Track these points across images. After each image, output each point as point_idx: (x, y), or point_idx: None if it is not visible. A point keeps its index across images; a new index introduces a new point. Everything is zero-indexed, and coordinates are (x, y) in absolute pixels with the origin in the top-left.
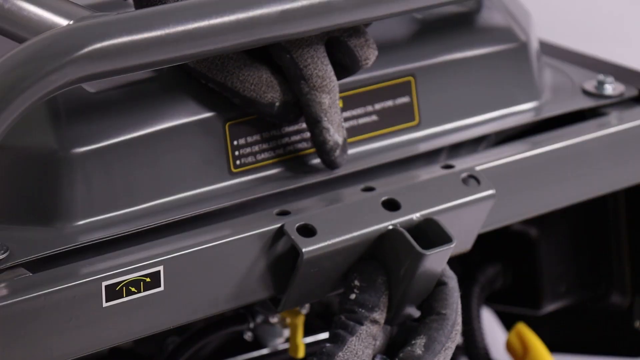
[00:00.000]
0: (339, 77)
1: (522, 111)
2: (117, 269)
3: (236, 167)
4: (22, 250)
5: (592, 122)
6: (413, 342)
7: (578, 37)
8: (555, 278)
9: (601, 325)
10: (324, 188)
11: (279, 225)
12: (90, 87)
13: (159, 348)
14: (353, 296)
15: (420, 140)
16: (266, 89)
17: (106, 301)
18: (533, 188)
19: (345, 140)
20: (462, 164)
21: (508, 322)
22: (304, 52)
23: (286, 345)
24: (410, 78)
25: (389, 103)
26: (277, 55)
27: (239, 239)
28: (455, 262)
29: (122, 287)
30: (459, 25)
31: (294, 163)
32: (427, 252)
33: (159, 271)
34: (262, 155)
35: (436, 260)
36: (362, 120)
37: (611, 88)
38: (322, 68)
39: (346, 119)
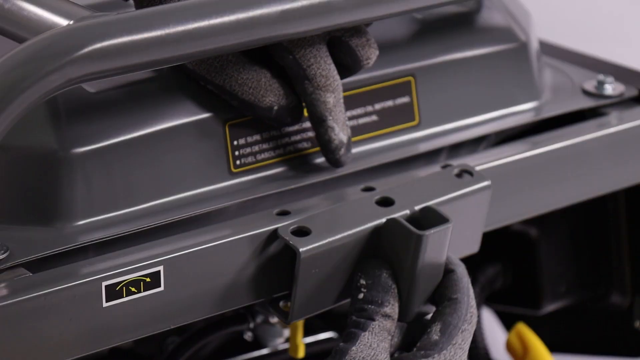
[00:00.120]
0: (340, 77)
1: (522, 111)
2: (117, 269)
3: (236, 167)
4: (22, 250)
5: (592, 122)
6: (429, 330)
7: (578, 37)
8: (555, 278)
9: (601, 325)
10: (324, 188)
11: (278, 225)
12: (90, 87)
13: (159, 348)
14: (361, 296)
15: (420, 140)
16: (265, 92)
17: (106, 301)
18: (533, 188)
19: (349, 138)
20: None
21: (508, 322)
22: (307, 52)
23: (286, 345)
24: (410, 78)
25: (389, 103)
26: (280, 56)
27: (239, 239)
28: None
29: (122, 287)
30: (459, 25)
31: (294, 163)
32: (426, 233)
33: (159, 271)
34: (262, 155)
35: (436, 243)
36: (362, 120)
37: (611, 88)
38: (325, 67)
39: None
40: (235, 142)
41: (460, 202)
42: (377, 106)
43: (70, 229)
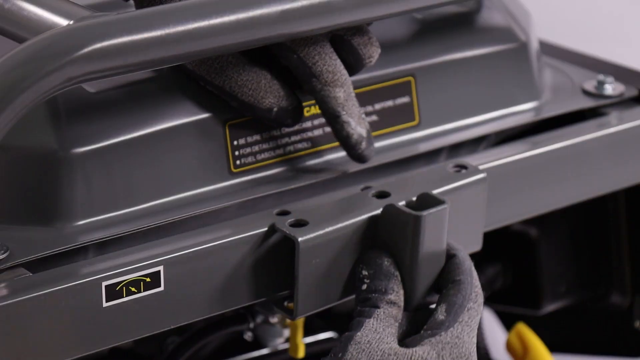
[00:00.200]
0: None
1: (522, 111)
2: (117, 269)
3: (236, 167)
4: (22, 250)
5: (592, 122)
6: (435, 312)
7: (578, 37)
8: (555, 278)
9: (601, 325)
10: (324, 188)
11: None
12: (90, 87)
13: (159, 348)
14: (364, 287)
15: (420, 140)
16: (264, 94)
17: (106, 301)
18: (533, 188)
19: (369, 131)
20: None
21: (508, 322)
22: (311, 49)
23: (286, 345)
24: (410, 78)
25: (389, 103)
26: (284, 56)
27: (239, 239)
28: None
29: (122, 287)
30: (459, 25)
31: (294, 163)
32: (423, 213)
33: (159, 271)
34: (262, 155)
35: (435, 225)
36: None
37: (611, 88)
38: (331, 63)
39: None
40: (235, 142)
41: (456, 194)
42: (377, 106)
43: (70, 229)
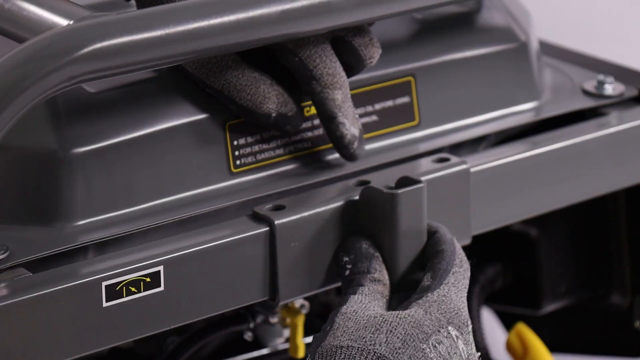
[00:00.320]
0: None
1: (522, 111)
2: (117, 269)
3: (236, 167)
4: (22, 250)
5: (592, 122)
6: (421, 282)
7: (578, 37)
8: (555, 278)
9: (601, 325)
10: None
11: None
12: (90, 87)
13: (159, 348)
14: (347, 272)
15: (420, 140)
16: (263, 99)
17: (106, 301)
18: (533, 188)
19: (361, 132)
20: None
21: (508, 322)
22: (312, 52)
23: (286, 345)
24: (410, 78)
25: (389, 103)
26: (285, 58)
27: (238, 239)
28: None
29: (122, 287)
30: (459, 25)
31: (294, 163)
32: (398, 191)
33: (159, 271)
34: (262, 155)
35: (412, 203)
36: (362, 121)
37: (611, 88)
38: (331, 66)
39: None
40: (235, 142)
41: (438, 184)
42: (377, 106)
43: (70, 229)
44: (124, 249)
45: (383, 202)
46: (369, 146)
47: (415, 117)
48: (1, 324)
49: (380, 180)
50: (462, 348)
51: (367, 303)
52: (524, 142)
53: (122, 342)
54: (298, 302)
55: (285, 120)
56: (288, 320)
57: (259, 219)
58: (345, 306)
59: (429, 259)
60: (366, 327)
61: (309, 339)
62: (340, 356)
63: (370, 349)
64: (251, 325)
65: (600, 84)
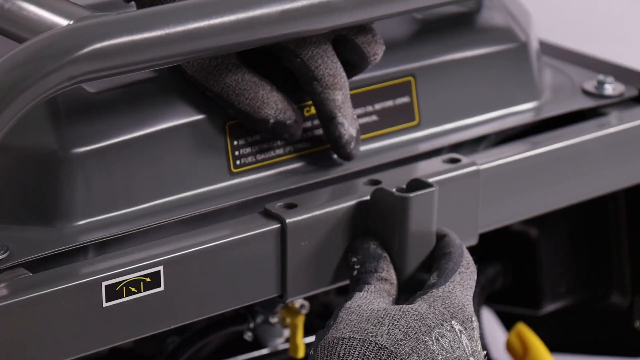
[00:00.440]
0: (349, 75)
1: (522, 111)
2: (117, 269)
3: (236, 167)
4: (22, 250)
5: (592, 122)
6: (428, 281)
7: (578, 37)
8: (555, 278)
9: (601, 325)
10: (324, 188)
11: (277, 225)
12: (90, 87)
13: (159, 348)
14: (355, 272)
15: (420, 140)
16: (261, 104)
17: (106, 301)
18: (533, 188)
19: (358, 132)
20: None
21: (508, 322)
22: (314, 53)
23: (286, 345)
24: (410, 78)
25: (389, 103)
26: (287, 59)
27: (239, 238)
28: None
29: (122, 287)
30: (459, 25)
31: (294, 163)
32: (410, 195)
33: (159, 271)
34: (262, 155)
35: (422, 207)
36: (362, 120)
37: (611, 88)
38: (332, 67)
39: None
40: (235, 142)
41: (448, 185)
42: (377, 106)
43: (70, 229)
44: (124, 249)
45: (394, 205)
46: (369, 146)
47: (415, 117)
48: (1, 324)
49: (391, 181)
50: (466, 343)
51: (372, 299)
52: (524, 142)
53: (122, 342)
54: (298, 302)
55: (283, 129)
56: (288, 320)
57: (270, 216)
58: (350, 301)
59: (436, 261)
60: (369, 319)
61: (309, 339)
62: (341, 347)
63: (371, 340)
64: (251, 325)
65: (600, 84)
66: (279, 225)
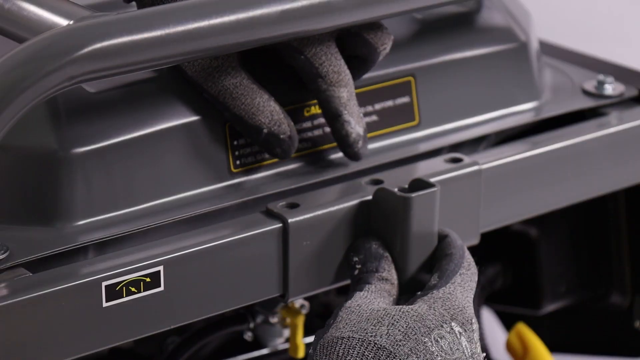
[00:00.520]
0: (360, 72)
1: (522, 111)
2: (117, 269)
3: (236, 167)
4: (22, 250)
5: (592, 122)
6: (429, 282)
7: (578, 37)
8: (555, 278)
9: (601, 325)
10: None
11: (279, 225)
12: (90, 87)
13: (159, 348)
14: (356, 272)
15: (420, 140)
16: (256, 111)
17: (106, 301)
18: (533, 188)
19: (365, 131)
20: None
21: (508, 322)
22: (317, 50)
23: (286, 345)
24: (410, 78)
25: (389, 103)
26: (290, 56)
27: (240, 238)
28: None
29: (122, 287)
30: (459, 25)
31: (294, 162)
32: (412, 195)
33: (159, 271)
34: (262, 155)
35: (424, 207)
36: None
37: (611, 88)
38: (336, 64)
39: None
40: (235, 142)
41: (450, 185)
42: (377, 106)
43: (70, 229)
44: (124, 249)
45: (396, 205)
46: (369, 146)
47: (415, 117)
48: (1, 324)
49: (393, 181)
50: (465, 345)
51: (373, 299)
52: (524, 142)
53: (122, 342)
54: (298, 302)
55: (276, 142)
56: (288, 320)
57: (272, 216)
58: (350, 301)
59: (437, 261)
60: (368, 319)
61: (309, 339)
62: (340, 347)
63: (370, 340)
64: (251, 325)
65: (600, 84)
66: (280, 225)
